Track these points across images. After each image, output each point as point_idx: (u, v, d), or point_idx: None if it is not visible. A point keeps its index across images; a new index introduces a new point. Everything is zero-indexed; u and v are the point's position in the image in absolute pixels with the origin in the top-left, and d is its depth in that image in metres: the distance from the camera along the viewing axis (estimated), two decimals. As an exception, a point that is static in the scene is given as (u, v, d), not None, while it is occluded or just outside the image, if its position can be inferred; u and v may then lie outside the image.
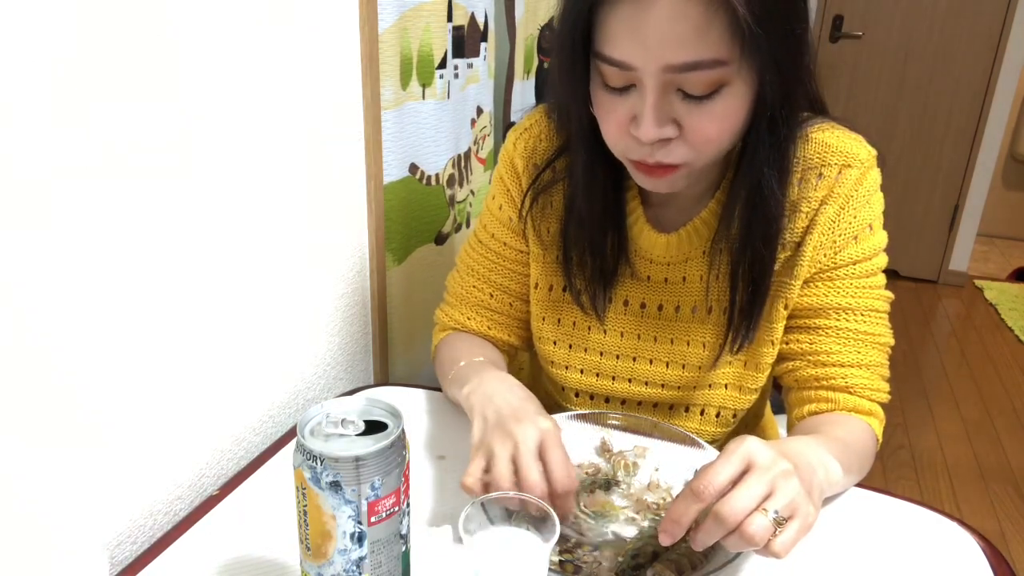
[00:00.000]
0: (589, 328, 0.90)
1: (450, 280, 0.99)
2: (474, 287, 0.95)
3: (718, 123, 0.68)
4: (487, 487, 0.66)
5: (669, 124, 0.68)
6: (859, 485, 0.81)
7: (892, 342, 0.84)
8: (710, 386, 0.88)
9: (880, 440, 0.82)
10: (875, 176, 0.81)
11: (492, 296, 0.95)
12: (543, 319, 0.92)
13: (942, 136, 3.58)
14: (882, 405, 0.83)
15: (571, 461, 0.67)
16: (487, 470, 0.67)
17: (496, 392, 0.75)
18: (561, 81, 0.74)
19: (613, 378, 0.91)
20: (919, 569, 0.71)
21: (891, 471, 2.34)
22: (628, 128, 0.70)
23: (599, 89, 0.71)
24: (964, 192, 3.62)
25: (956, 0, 3.38)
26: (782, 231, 0.78)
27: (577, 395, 0.94)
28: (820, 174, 0.79)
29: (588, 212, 0.82)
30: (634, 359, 0.90)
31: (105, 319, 0.66)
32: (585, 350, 0.91)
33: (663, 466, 0.80)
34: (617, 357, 0.90)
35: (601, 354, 0.91)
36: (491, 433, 0.69)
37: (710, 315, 0.86)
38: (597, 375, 0.92)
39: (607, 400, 0.93)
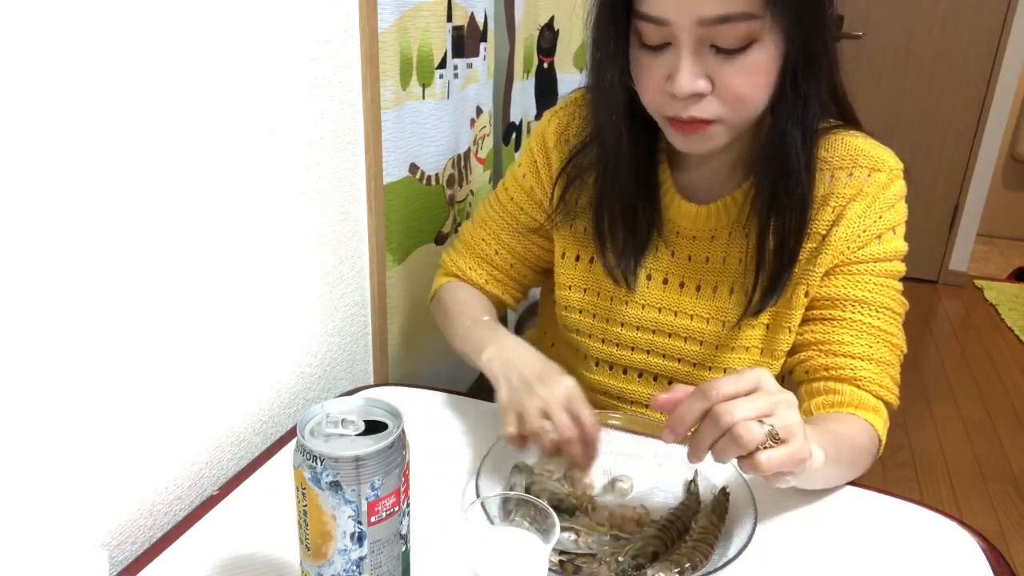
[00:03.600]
0: (612, 299, 0.93)
1: (464, 228, 1.04)
2: (483, 240, 1.00)
3: (749, 78, 0.72)
4: (523, 440, 0.75)
5: (702, 78, 0.72)
6: (859, 485, 0.81)
7: (905, 348, 0.86)
8: (725, 371, 0.90)
9: (883, 440, 0.81)
10: (902, 185, 0.84)
11: (497, 253, 1.00)
12: (569, 288, 0.95)
13: (942, 136, 3.58)
14: (888, 407, 0.83)
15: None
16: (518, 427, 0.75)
17: (516, 356, 0.82)
18: (601, 48, 0.78)
19: (632, 349, 0.94)
20: (919, 569, 0.71)
21: (891, 471, 2.34)
22: (664, 86, 0.73)
23: (637, 51, 0.75)
24: (964, 192, 3.62)
25: (956, 0, 3.38)
26: (810, 192, 0.80)
27: (597, 364, 0.97)
28: (850, 173, 0.83)
29: (621, 183, 0.85)
30: (654, 332, 0.92)
31: (106, 319, 0.66)
32: (607, 320, 0.94)
33: (663, 466, 0.80)
34: (637, 328, 0.93)
35: (622, 325, 0.93)
36: (519, 394, 0.76)
37: (732, 295, 0.88)
38: (618, 345, 0.94)
39: (625, 371, 0.96)
